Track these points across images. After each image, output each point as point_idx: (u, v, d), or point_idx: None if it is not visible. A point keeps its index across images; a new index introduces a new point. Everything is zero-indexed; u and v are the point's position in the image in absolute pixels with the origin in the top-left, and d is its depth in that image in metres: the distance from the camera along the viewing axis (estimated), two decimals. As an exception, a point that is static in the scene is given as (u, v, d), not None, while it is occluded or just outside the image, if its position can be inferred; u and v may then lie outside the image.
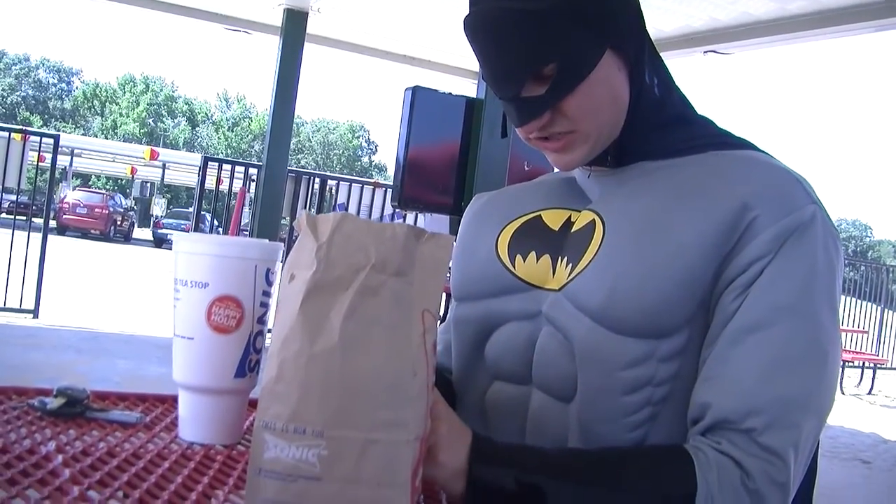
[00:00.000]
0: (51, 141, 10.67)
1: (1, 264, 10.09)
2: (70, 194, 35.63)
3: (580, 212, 1.46)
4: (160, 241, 36.50)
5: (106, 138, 74.59)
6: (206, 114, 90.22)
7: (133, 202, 45.45)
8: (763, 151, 1.44)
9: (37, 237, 10.46)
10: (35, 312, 10.34)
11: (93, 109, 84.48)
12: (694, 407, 1.27)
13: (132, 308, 12.98)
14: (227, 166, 11.34)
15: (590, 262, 1.35)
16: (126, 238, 38.52)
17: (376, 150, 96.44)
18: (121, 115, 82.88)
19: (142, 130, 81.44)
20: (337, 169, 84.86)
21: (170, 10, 10.39)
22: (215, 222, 11.82)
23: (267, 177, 10.10)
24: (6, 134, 10.34)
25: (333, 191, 11.39)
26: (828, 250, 1.28)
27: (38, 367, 7.51)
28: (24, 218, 11.07)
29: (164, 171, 39.44)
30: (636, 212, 1.36)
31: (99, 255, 26.08)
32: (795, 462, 1.22)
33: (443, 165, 6.39)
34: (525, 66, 1.34)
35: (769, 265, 1.26)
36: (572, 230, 1.44)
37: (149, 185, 46.16)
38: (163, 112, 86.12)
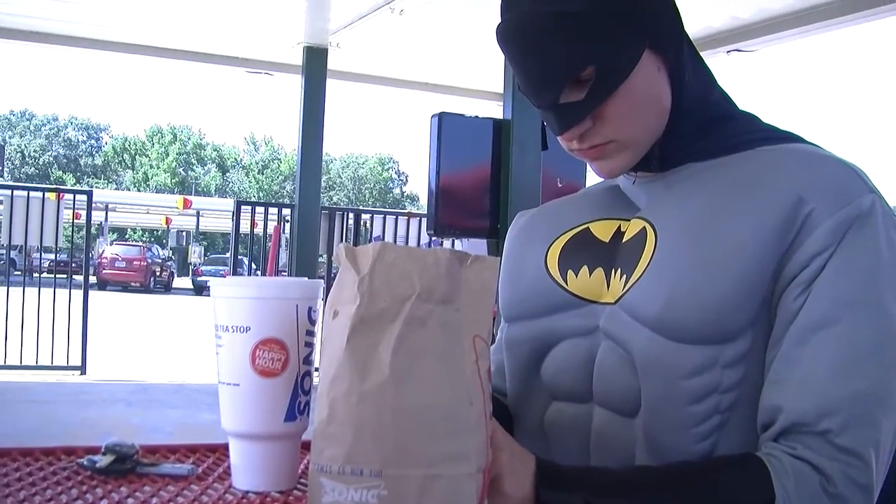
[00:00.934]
0: (84, 197, 10.76)
1: (46, 323, 10.14)
2: (107, 249, 35.96)
3: (629, 221, 1.41)
4: (200, 289, 36.70)
5: (138, 191, 75.40)
6: (235, 158, 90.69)
7: (170, 252, 45.77)
8: (812, 143, 1.39)
9: (78, 293, 10.52)
10: (83, 369, 10.40)
11: (123, 163, 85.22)
12: (764, 412, 1.21)
13: (178, 357, 13.02)
14: (259, 209, 11.38)
15: (644, 271, 1.31)
16: (166, 288, 38.83)
17: (407, 180, 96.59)
18: (151, 166, 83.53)
19: (173, 180, 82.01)
20: (369, 203, 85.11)
21: (190, 57, 10.45)
22: (253, 265, 11.84)
23: (300, 215, 10.10)
24: (40, 194, 10.44)
25: (368, 224, 11.39)
26: (891, 239, 1.23)
27: (89, 423, 7.54)
28: (65, 276, 11.09)
29: (198, 218, 39.73)
30: (687, 215, 1.32)
31: (140, 307, 26.24)
32: (877, 461, 1.16)
33: (476, 189, 6.35)
34: (563, 71, 1.31)
35: (831, 259, 1.20)
36: (623, 240, 1.39)
37: (184, 233, 46.45)
38: (192, 160, 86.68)
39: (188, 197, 40.28)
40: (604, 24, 1.30)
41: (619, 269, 1.36)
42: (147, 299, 30.75)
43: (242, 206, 11.25)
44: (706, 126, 1.40)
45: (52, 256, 14.37)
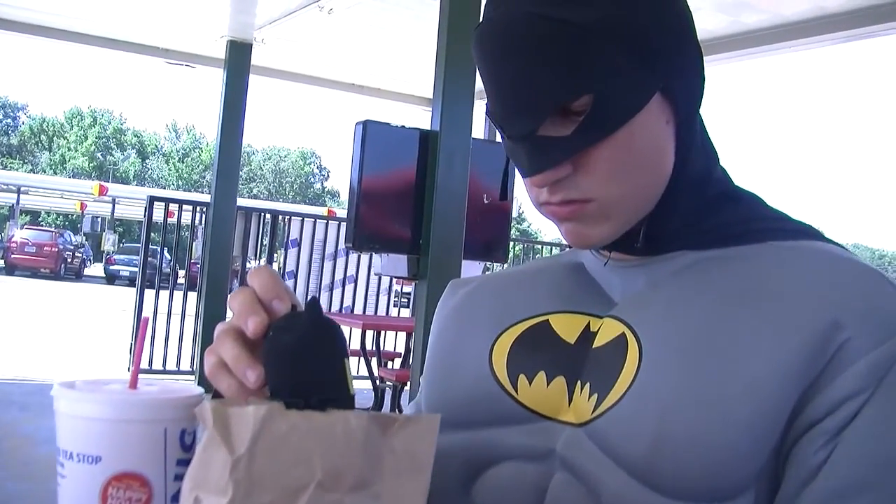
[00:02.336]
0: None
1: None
2: (17, 233, 35.04)
3: (601, 319, 1.10)
4: (112, 278, 36.02)
5: (55, 173, 73.91)
6: (155, 145, 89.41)
7: (84, 238, 44.81)
8: (833, 242, 1.10)
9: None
10: (-23, 365, 9.92)
11: (40, 144, 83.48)
12: None
13: (81, 353, 12.57)
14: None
15: (624, 393, 1.00)
16: (77, 276, 37.97)
17: (328, 176, 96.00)
18: (69, 149, 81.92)
19: (91, 164, 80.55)
20: (290, 196, 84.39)
21: (111, 45, 10.09)
22: (167, 256, 11.52)
23: (216, 214, 9.79)
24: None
25: (286, 226, 11.03)
26: None
27: (-23, 429, 7.11)
28: None
29: (113, 205, 38.89)
30: (682, 325, 1.01)
31: (48, 295, 25.53)
32: None
33: (398, 202, 6.06)
34: (553, 92, 1.00)
35: (866, 405, 0.91)
36: (594, 345, 1.08)
37: (99, 220, 45.54)
38: (112, 145, 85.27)
39: (104, 183, 39.38)
40: (614, 45, 1.00)
41: (589, 384, 1.05)
42: (56, 287, 29.92)
43: (156, 202, 10.83)
44: (709, 206, 1.11)
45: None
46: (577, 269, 1.21)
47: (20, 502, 5.32)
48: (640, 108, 1.01)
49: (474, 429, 1.11)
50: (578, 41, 0.99)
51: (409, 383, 6.46)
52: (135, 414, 0.93)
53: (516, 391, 1.10)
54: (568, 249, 1.29)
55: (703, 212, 1.11)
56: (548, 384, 1.08)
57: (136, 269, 11.01)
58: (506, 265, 8.41)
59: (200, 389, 0.98)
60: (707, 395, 0.95)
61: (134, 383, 0.97)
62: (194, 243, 10.88)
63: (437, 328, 1.28)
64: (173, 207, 10.91)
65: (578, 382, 1.06)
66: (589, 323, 1.11)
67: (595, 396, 1.03)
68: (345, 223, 6.92)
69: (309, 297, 0.86)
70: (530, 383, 1.09)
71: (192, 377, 10.21)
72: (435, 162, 5.88)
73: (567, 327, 1.12)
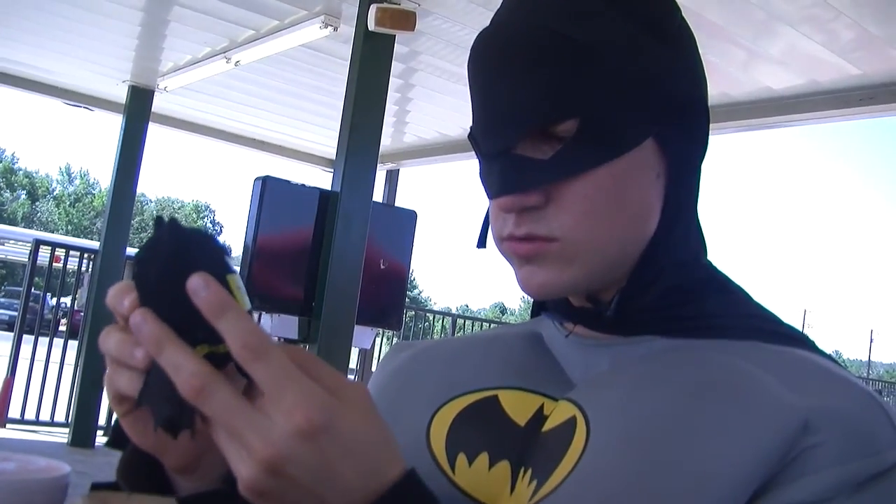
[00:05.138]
0: None
1: None
2: None
3: (556, 402, 0.99)
4: (-9, 320, 35.01)
5: (-61, 209, 71.91)
6: (47, 188, 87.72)
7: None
8: (825, 354, 0.98)
9: None
10: None
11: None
12: None
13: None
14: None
15: (564, 479, 0.89)
16: (-46, 317, 36.81)
17: (222, 230, 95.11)
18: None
19: (-22, 203, 78.71)
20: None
21: (8, 82, 9.78)
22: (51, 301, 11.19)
23: (104, 262, 9.52)
24: None
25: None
26: None
27: None
28: None
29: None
30: (638, 413, 0.89)
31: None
32: None
33: (293, 262, 5.92)
34: (536, 108, 0.93)
35: None
36: (544, 429, 0.96)
37: (-18, 260, 44.35)
38: (1, 185, 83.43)
39: (-10, 223, 38.33)
40: (613, 73, 0.92)
41: (531, 470, 0.93)
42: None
43: (42, 245, 10.51)
44: (692, 291, 1.00)
45: None
46: (536, 342, 1.10)
47: None
48: (628, 148, 0.93)
49: None
50: (576, 59, 0.92)
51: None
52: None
53: (453, 471, 0.98)
54: (526, 320, 1.19)
55: (685, 296, 1.00)
56: (490, 467, 0.97)
57: (16, 314, 10.65)
58: (397, 333, 8.31)
59: (66, 468, 0.86)
60: (650, 488, 0.84)
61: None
62: (79, 291, 10.57)
63: (374, 391, 1.16)
64: (60, 252, 10.62)
65: (522, 469, 0.95)
66: (543, 405, 1.00)
67: (535, 482, 0.92)
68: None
69: (167, 219, 0.70)
70: (470, 464, 0.98)
71: (67, 429, 9.85)
72: (333, 223, 5.78)
73: (518, 407, 1.01)
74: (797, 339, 0.98)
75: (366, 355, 11.71)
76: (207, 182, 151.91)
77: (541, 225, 0.94)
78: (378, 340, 11.72)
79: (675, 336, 0.99)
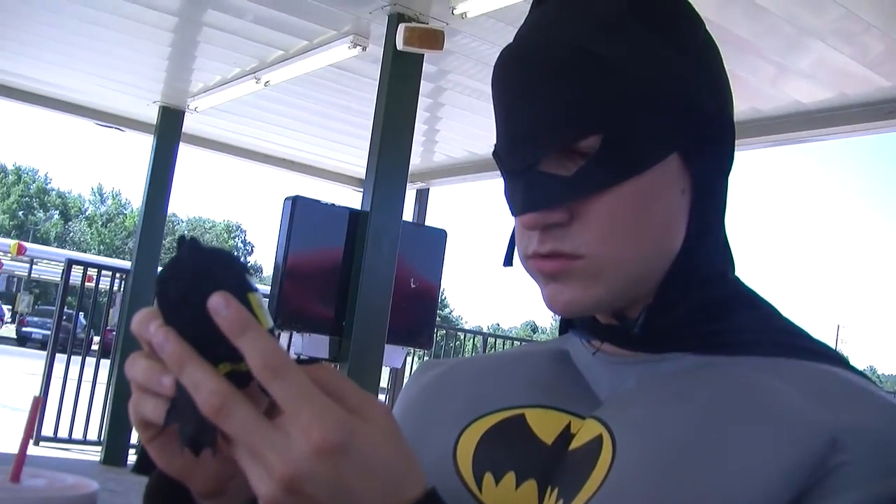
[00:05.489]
0: None
1: None
2: (-71, 289, 34.24)
3: (584, 420, 0.99)
4: (24, 340, 35.23)
5: (-27, 230, 72.60)
6: (79, 208, 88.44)
7: (-2, 298, 43.88)
8: (856, 370, 0.97)
9: None
10: None
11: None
12: None
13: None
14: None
15: (589, 499, 0.88)
16: (-13, 336, 37.07)
17: (252, 250, 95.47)
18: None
19: (12, 222, 79.41)
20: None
21: (39, 102, 9.87)
22: (83, 320, 11.26)
23: (135, 282, 9.58)
24: None
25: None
26: None
27: None
28: None
29: (31, 266, 38.22)
30: (665, 431, 0.89)
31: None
32: None
33: (323, 282, 5.94)
34: (558, 125, 0.92)
35: None
36: (571, 447, 0.96)
37: (16, 279, 44.71)
38: (34, 204, 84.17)
39: (24, 243, 38.66)
40: (638, 90, 0.92)
41: (558, 489, 0.93)
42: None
43: (74, 265, 10.59)
44: (720, 307, 0.99)
45: None
46: (563, 360, 1.09)
47: None
48: (652, 164, 0.93)
49: None
50: (598, 74, 0.92)
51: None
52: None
53: (480, 491, 0.98)
54: (554, 338, 1.19)
55: (713, 313, 0.99)
56: (517, 486, 0.96)
57: (49, 332, 10.73)
58: (428, 352, 8.30)
59: (94, 485, 0.87)
60: None
61: (17, 475, 0.86)
62: (111, 310, 10.63)
63: (401, 408, 1.16)
64: (92, 272, 10.68)
65: (549, 487, 0.95)
66: (570, 423, 0.99)
67: (561, 501, 0.92)
68: (266, 300, 6.77)
69: (188, 237, 0.71)
70: (497, 483, 0.97)
71: (99, 448, 9.90)
72: (363, 243, 5.79)
73: (545, 425, 1.00)
74: (826, 355, 0.97)
75: (397, 374, 11.71)
76: (238, 202, 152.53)
77: (565, 242, 0.94)
78: (409, 359, 11.70)
79: (703, 353, 0.98)
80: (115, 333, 10.04)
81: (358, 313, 5.74)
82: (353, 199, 11.30)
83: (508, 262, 1.05)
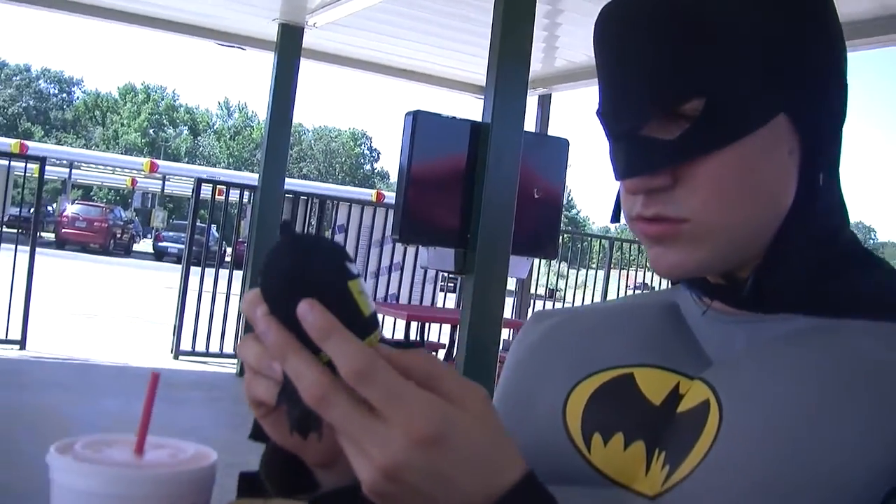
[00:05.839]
0: (51, 153, 10.24)
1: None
2: (69, 208, 35.34)
3: (692, 381, 0.97)
4: (161, 254, 36.21)
5: (108, 148, 74.71)
6: (207, 123, 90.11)
7: (134, 214, 45.16)
8: None
9: (33, 258, 9.99)
10: (22, 343, 9.90)
11: (94, 119, 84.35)
12: None
13: (126, 332, 12.61)
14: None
15: (696, 466, 0.87)
16: (126, 251, 38.19)
17: (379, 157, 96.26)
18: (122, 124, 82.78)
19: (143, 140, 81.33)
20: (339, 177, 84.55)
21: (162, 26, 10.04)
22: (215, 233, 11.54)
23: (263, 199, 9.74)
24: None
25: (333, 211, 10.94)
26: None
27: (20, 411, 7.09)
28: (20, 231, 10.48)
29: (163, 182, 39.16)
30: (773, 400, 0.87)
31: (97, 271, 25.70)
32: None
33: (447, 195, 5.94)
34: (661, 87, 0.91)
35: None
36: (679, 409, 0.95)
37: (150, 196, 45.91)
38: (164, 121, 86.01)
39: (156, 161, 39.56)
40: (743, 49, 0.89)
41: (665, 452, 0.92)
42: (104, 263, 30.13)
43: (203, 184, 10.80)
44: (834, 266, 0.96)
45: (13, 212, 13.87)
46: (673, 315, 1.07)
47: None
48: (757, 127, 0.90)
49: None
50: (700, 35, 0.89)
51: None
52: (138, 490, 0.82)
53: (589, 451, 0.97)
54: (665, 288, 1.17)
55: (826, 272, 0.96)
56: (625, 448, 0.96)
57: (184, 246, 11.01)
58: (555, 260, 8.30)
59: (213, 455, 0.87)
60: (783, 482, 0.82)
61: (141, 447, 0.87)
62: (242, 221, 10.84)
63: (513, 361, 1.17)
64: (222, 187, 10.94)
65: (657, 450, 0.94)
66: (679, 384, 0.98)
67: (667, 467, 0.91)
68: (392, 209, 6.84)
69: (281, 224, 0.72)
70: (605, 444, 0.97)
71: (235, 361, 10.18)
72: (486, 155, 5.77)
73: (654, 386, 0.99)
74: None
75: (523, 284, 11.75)
76: (363, 110, 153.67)
77: (669, 206, 0.92)
78: (536, 265, 11.73)
79: (815, 314, 0.95)
80: (246, 245, 10.26)
81: (482, 225, 5.74)
82: (474, 106, 11.26)
83: (615, 218, 1.03)
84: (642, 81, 0.91)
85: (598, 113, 0.98)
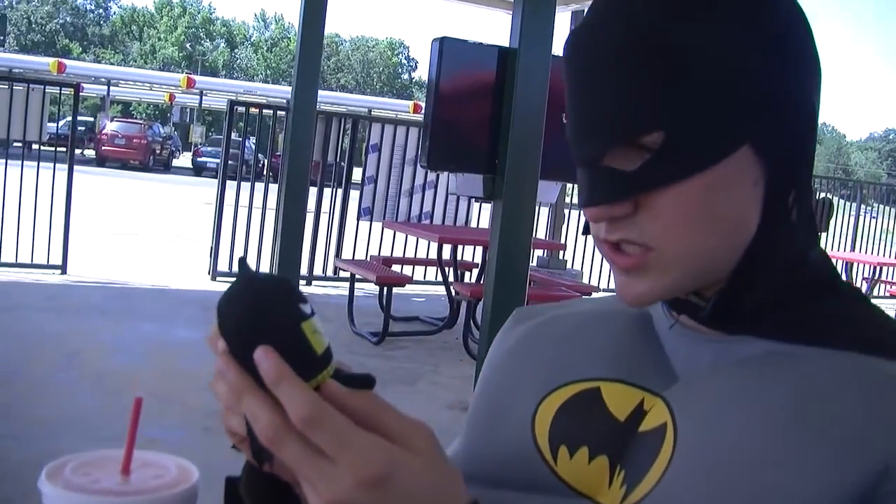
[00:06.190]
0: (89, 72, 10.28)
1: (28, 215, 9.78)
2: (108, 125, 35.50)
3: (656, 398, 0.99)
4: (200, 170, 36.31)
5: (145, 63, 74.74)
6: (244, 35, 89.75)
7: (173, 129, 45.28)
8: None
9: (73, 178, 10.06)
10: (63, 268, 10.05)
11: (131, 35, 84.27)
12: None
13: (165, 252, 12.76)
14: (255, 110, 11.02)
15: (648, 493, 0.90)
16: (166, 167, 38.42)
17: (416, 66, 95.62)
18: (159, 39, 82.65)
19: (180, 54, 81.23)
20: (377, 87, 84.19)
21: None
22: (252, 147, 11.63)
23: (295, 120, 9.71)
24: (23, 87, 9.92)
25: (366, 130, 10.93)
26: None
27: (57, 339, 7.23)
28: (61, 149, 10.53)
29: (201, 98, 39.18)
30: (724, 435, 0.88)
31: (136, 188, 25.89)
32: None
33: (475, 120, 5.92)
34: (620, 120, 0.90)
35: None
36: (640, 428, 0.97)
37: (188, 110, 45.97)
38: (201, 35, 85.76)
39: (192, 76, 39.51)
40: (704, 80, 0.88)
41: (625, 472, 0.95)
42: (145, 178, 30.36)
43: (236, 106, 10.84)
44: (798, 292, 0.97)
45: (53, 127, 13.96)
46: (645, 325, 1.09)
47: (95, 417, 5.39)
48: (718, 160, 0.89)
49: (512, 490, 1.03)
50: (664, 66, 0.88)
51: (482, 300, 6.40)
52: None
53: (556, 462, 1.01)
54: None
55: (788, 299, 0.97)
56: (590, 461, 0.99)
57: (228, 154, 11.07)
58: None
59: (194, 475, 0.92)
60: None
61: (126, 467, 0.92)
62: (279, 136, 10.85)
63: (491, 363, 1.19)
64: (260, 100, 10.96)
65: (618, 466, 0.97)
66: (643, 400, 1.00)
67: (625, 487, 0.94)
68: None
69: (238, 260, 0.77)
70: (571, 457, 1.00)
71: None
72: (513, 80, 5.73)
73: (619, 401, 1.01)
74: None
75: (554, 209, 11.74)
76: (401, 18, 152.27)
77: (633, 231, 0.93)
78: (566, 189, 11.72)
79: (776, 339, 0.96)
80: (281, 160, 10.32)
81: (511, 151, 5.73)
82: (503, 25, 11.16)
83: (587, 230, 1.03)
84: (604, 112, 0.91)
85: (566, 133, 0.99)
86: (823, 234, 14.23)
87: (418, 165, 10.98)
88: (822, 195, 14.50)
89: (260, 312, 0.72)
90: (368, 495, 0.69)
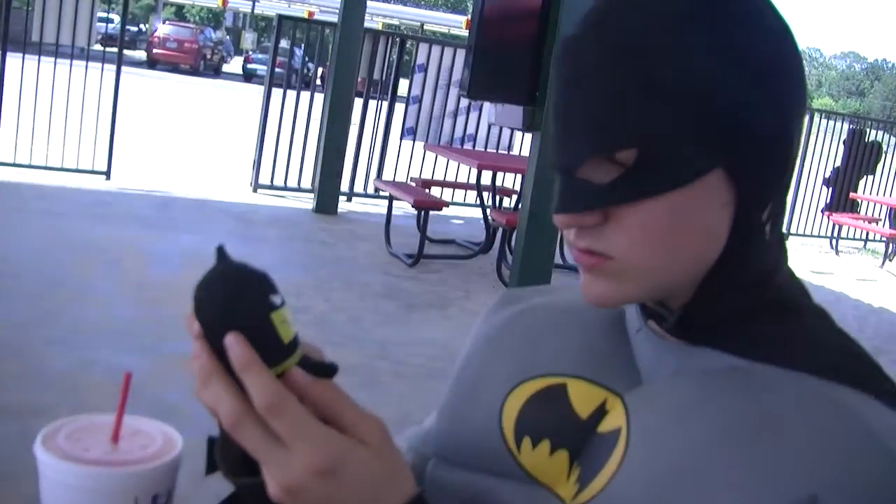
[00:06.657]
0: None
1: (75, 120, 9.89)
2: (161, 28, 35.51)
3: (618, 398, 1.03)
4: (249, 76, 36.28)
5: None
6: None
7: (225, 34, 45.22)
8: (891, 391, 0.94)
9: (124, 76, 10.14)
10: (107, 174, 10.17)
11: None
12: None
13: (210, 156, 12.84)
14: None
15: (598, 492, 0.94)
16: (216, 72, 38.41)
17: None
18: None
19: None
20: (432, 0, 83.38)
21: None
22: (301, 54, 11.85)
23: (342, 36, 9.75)
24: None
25: (413, 50, 10.90)
26: None
27: (96, 248, 7.36)
28: (113, 50, 10.51)
29: (254, 3, 39.03)
30: (669, 450, 0.92)
31: (186, 92, 25.96)
32: None
33: (518, 51, 5.91)
34: (594, 135, 0.92)
35: None
36: (599, 429, 1.02)
37: (241, 15, 45.84)
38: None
39: (246, -19, 39.42)
40: (680, 104, 0.89)
41: (580, 469, 0.99)
42: (195, 82, 30.44)
43: (284, 21, 10.85)
44: (758, 310, 0.99)
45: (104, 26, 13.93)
46: (617, 325, 1.12)
47: (132, 327, 5.52)
48: (689, 181, 0.91)
49: (477, 472, 1.09)
50: (642, 86, 0.90)
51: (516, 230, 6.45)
52: (109, 484, 0.94)
53: (519, 451, 1.05)
54: None
55: (750, 317, 0.99)
56: (551, 454, 1.03)
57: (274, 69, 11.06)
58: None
59: (178, 445, 0.98)
60: None
61: (116, 436, 0.98)
62: (332, 45, 10.85)
63: (472, 345, 1.23)
64: (312, 9, 10.96)
65: (576, 463, 1.01)
66: (606, 400, 1.04)
67: (578, 484, 0.99)
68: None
69: (216, 248, 0.84)
70: (533, 448, 1.05)
71: (312, 196, 10.38)
72: (557, 12, 5.72)
73: (583, 399, 1.05)
74: (862, 381, 0.95)
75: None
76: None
77: (599, 241, 0.95)
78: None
79: (736, 354, 0.99)
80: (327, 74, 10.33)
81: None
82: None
83: None
84: (578, 126, 0.93)
85: (547, 140, 1.01)
86: (868, 177, 14.08)
87: (463, 87, 10.95)
88: (873, 138, 14.27)
89: (232, 301, 0.79)
90: (318, 483, 0.77)
